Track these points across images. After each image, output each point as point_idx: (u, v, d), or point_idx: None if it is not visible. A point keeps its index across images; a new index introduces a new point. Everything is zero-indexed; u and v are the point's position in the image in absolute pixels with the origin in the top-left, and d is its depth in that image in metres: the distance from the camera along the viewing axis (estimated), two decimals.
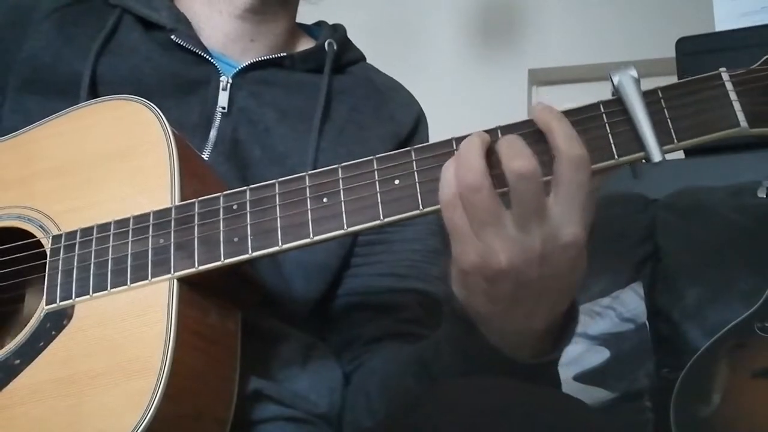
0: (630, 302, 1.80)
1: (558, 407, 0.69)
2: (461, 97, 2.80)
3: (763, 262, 1.68)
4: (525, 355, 0.75)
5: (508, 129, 0.72)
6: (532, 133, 0.71)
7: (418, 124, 1.09)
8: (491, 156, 0.69)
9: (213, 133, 0.96)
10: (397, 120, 1.06)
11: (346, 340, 0.98)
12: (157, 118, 0.82)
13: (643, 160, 0.71)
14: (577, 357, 1.74)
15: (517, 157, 0.67)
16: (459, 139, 0.73)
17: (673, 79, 0.74)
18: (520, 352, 0.75)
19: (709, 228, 1.85)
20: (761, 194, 1.72)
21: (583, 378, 1.71)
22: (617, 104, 0.72)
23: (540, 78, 2.97)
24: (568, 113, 0.72)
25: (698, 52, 2.02)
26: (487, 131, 0.72)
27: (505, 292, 0.69)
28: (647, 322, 1.78)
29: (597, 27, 2.82)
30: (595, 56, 2.76)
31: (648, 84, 0.72)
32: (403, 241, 1.00)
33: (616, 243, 1.90)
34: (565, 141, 0.68)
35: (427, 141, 1.07)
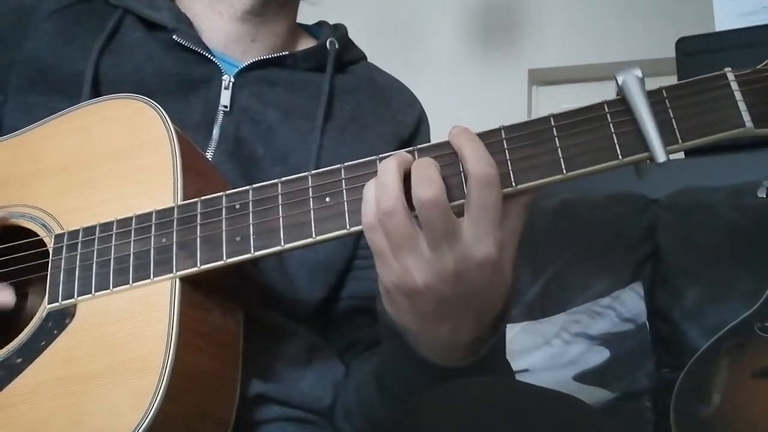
0: (630, 302, 1.80)
1: (558, 407, 0.70)
2: (461, 97, 2.80)
3: (763, 262, 1.69)
4: (456, 360, 0.76)
5: (424, 151, 0.73)
6: (452, 154, 0.72)
7: (420, 124, 1.09)
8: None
9: (216, 132, 0.96)
10: (400, 120, 1.07)
11: (347, 343, 0.98)
12: (160, 116, 0.82)
13: (648, 161, 0.71)
14: (577, 357, 1.74)
15: (421, 184, 0.68)
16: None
17: (673, 79, 0.74)
18: (451, 360, 0.76)
19: (709, 228, 1.85)
20: (761, 194, 1.72)
21: (583, 378, 1.71)
22: (621, 104, 0.72)
23: (540, 78, 2.97)
24: (572, 113, 0.72)
25: (698, 52, 2.02)
26: (487, 132, 0.73)
27: (426, 309, 0.71)
28: (647, 322, 1.78)
29: (597, 27, 2.82)
30: (595, 56, 2.77)
31: (648, 84, 0.72)
32: None
33: (616, 243, 1.90)
34: (474, 162, 0.69)
35: (429, 141, 1.08)
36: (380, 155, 0.74)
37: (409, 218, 0.69)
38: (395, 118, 1.06)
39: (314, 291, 0.95)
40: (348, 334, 0.98)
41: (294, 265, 0.93)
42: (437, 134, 0.89)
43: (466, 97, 2.80)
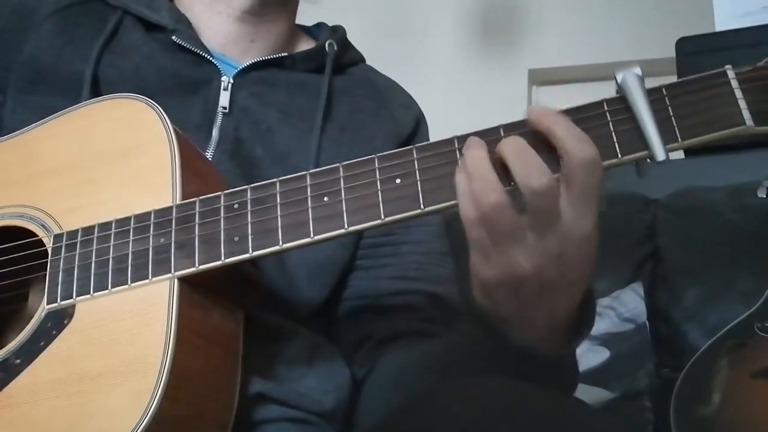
0: (630, 302, 1.80)
1: (559, 407, 0.70)
2: (461, 97, 2.80)
3: (763, 262, 1.69)
4: (546, 349, 0.76)
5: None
6: (528, 133, 0.71)
7: (419, 124, 1.09)
8: (493, 157, 0.69)
9: (215, 133, 0.96)
10: (398, 121, 1.07)
11: (356, 341, 0.98)
12: (159, 117, 0.82)
13: (648, 159, 0.71)
14: (577, 357, 1.74)
15: (532, 174, 0.67)
16: (461, 138, 0.73)
17: (673, 79, 0.74)
18: (542, 347, 0.75)
19: (709, 228, 1.85)
20: (761, 194, 1.73)
21: (583, 378, 1.69)
22: (621, 102, 0.72)
23: (540, 78, 2.97)
24: (571, 111, 0.72)
25: (698, 52, 2.02)
26: (487, 130, 0.73)
27: (530, 295, 0.71)
28: (647, 322, 1.78)
29: (597, 27, 2.82)
30: (594, 56, 2.76)
31: (648, 84, 0.72)
32: (410, 243, 1.00)
33: (616, 243, 1.90)
34: (576, 143, 0.68)
35: (428, 141, 1.08)
36: (378, 154, 0.74)
37: (515, 209, 0.68)
38: (393, 119, 1.06)
39: (314, 292, 0.95)
40: (356, 332, 0.98)
41: (293, 266, 0.93)
42: (437, 135, 0.89)
43: (466, 97, 2.80)
